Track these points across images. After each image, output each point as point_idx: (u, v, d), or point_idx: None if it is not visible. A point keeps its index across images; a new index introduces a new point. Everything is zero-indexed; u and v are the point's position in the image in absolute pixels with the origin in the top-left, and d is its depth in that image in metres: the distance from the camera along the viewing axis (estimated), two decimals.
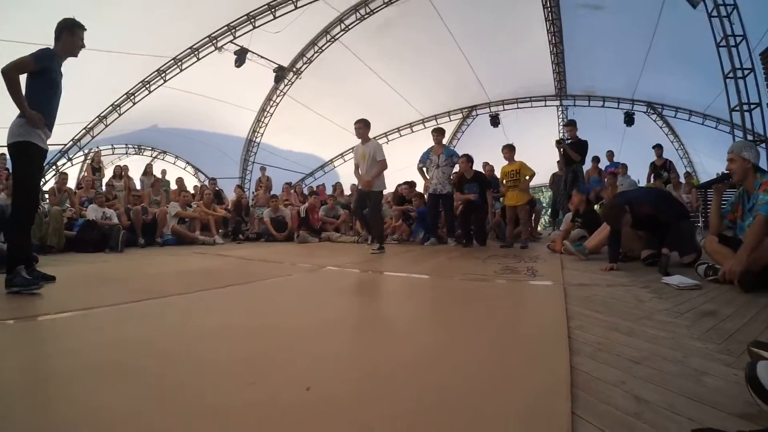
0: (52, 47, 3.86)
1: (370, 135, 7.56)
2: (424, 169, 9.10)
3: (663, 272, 4.25)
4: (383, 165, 7.30)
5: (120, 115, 15.93)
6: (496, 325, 2.62)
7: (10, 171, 3.90)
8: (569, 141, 9.62)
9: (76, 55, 4.04)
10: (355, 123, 7.52)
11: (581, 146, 9.39)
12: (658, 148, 12.61)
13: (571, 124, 9.78)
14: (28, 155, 3.69)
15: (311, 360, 1.93)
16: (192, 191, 12.71)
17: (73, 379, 1.73)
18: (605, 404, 1.44)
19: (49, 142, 3.93)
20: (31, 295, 3.37)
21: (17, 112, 3.63)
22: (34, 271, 3.91)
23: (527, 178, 8.27)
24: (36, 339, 2.44)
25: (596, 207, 9.29)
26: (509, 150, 8.48)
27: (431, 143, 9.14)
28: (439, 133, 9.24)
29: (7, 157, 4.79)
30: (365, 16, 15.22)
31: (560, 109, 20.14)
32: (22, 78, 3.64)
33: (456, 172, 9.19)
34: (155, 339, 2.29)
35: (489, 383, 1.64)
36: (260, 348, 2.12)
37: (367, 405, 1.46)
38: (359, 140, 7.57)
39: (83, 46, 4.04)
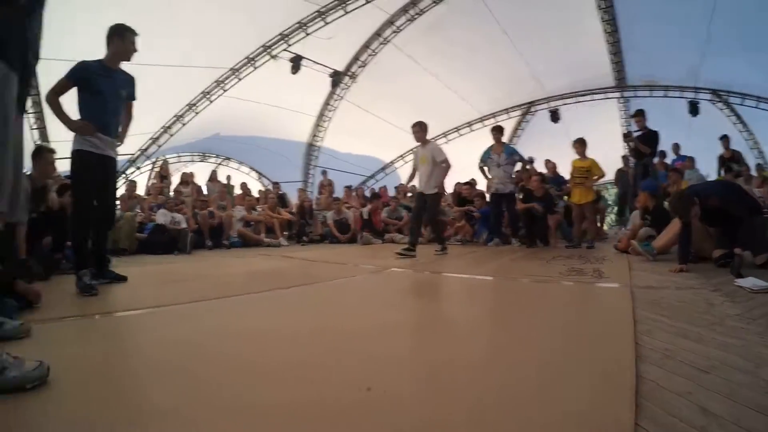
0: (90, 59, 4.03)
1: (429, 136, 7.49)
2: (485, 168, 8.99)
3: (736, 274, 3.96)
4: (448, 166, 7.20)
5: (183, 125, 16.47)
6: (560, 328, 2.56)
7: None
8: (638, 132, 9.02)
9: (129, 59, 4.17)
10: (412, 126, 7.43)
11: (652, 137, 8.81)
12: (724, 139, 11.94)
13: (639, 114, 9.17)
14: (75, 162, 3.94)
15: (373, 361, 1.94)
16: (256, 195, 12.96)
17: (144, 375, 1.82)
18: (670, 416, 1.37)
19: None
20: (102, 294, 3.59)
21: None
22: (108, 272, 4.21)
23: (595, 178, 8.05)
24: (104, 335, 2.54)
25: (665, 203, 8.98)
26: (581, 144, 8.26)
27: (490, 140, 9.02)
28: (498, 131, 9.12)
29: None
30: (415, 17, 15.13)
31: (621, 100, 19.38)
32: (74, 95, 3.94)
33: (523, 184, 9.06)
34: (220, 338, 2.33)
35: (550, 388, 1.60)
36: (323, 348, 2.13)
37: (427, 406, 1.45)
38: (418, 143, 7.50)
39: (135, 50, 4.17)
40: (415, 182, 7.74)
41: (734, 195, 4.97)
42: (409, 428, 1.30)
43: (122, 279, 4.22)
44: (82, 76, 3.91)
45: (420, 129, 7.35)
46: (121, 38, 4.05)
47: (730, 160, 11.47)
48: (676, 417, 1.35)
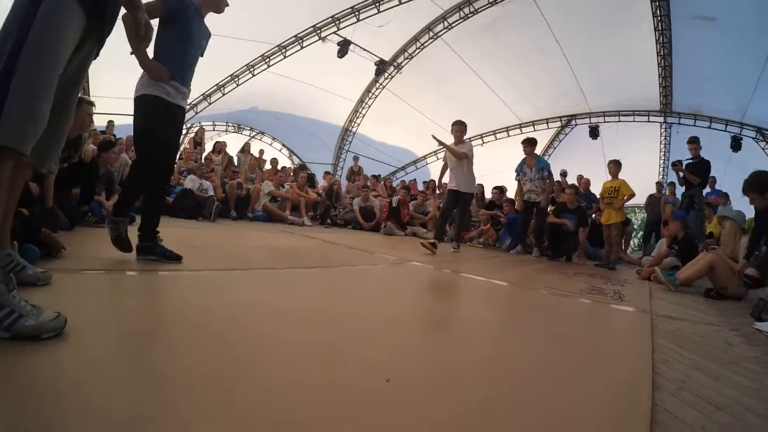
0: None
1: (466, 137, 7.47)
2: (520, 181, 8.94)
3: (757, 317, 3.87)
4: (470, 160, 7.30)
5: (224, 94, 16.73)
6: (576, 343, 2.54)
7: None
8: (689, 160, 8.65)
9: (221, 11, 3.67)
10: (454, 124, 7.43)
11: (703, 167, 8.46)
12: None
13: (694, 141, 8.72)
14: (145, 108, 3.31)
15: (388, 350, 1.94)
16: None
17: (165, 334, 1.83)
18: None
19: None
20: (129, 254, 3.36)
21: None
22: (158, 247, 3.44)
23: (625, 197, 7.90)
24: (124, 291, 2.56)
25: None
26: (615, 165, 8.13)
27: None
28: (529, 143, 8.95)
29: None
30: (469, 15, 15.06)
31: (663, 126, 19.04)
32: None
33: (554, 196, 8.98)
34: (239, 309, 2.33)
35: (566, 404, 1.59)
36: (339, 332, 2.13)
37: (442, 407, 1.43)
38: (454, 141, 7.44)
39: (228, 3, 3.70)
40: (445, 179, 7.73)
41: None
42: (426, 421, 1.31)
43: (176, 258, 3.38)
44: (178, 7, 3.29)
45: (462, 129, 7.38)
46: None
47: None
48: None
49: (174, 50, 3.36)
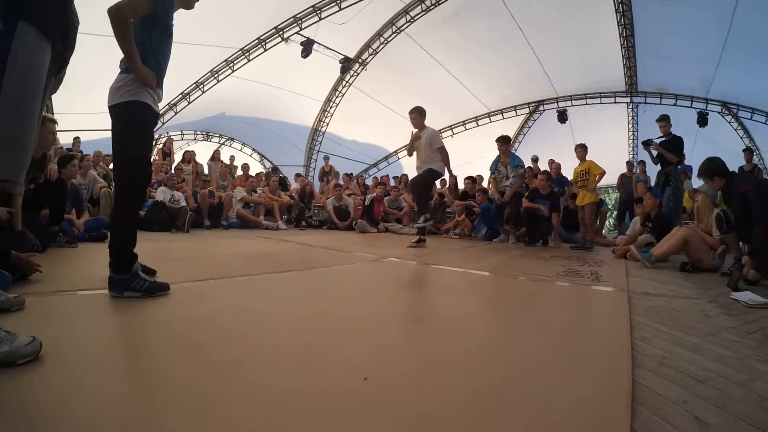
0: None
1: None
2: (496, 179, 9.00)
3: (733, 287, 3.97)
4: (446, 153, 7.11)
5: (189, 102, 16.53)
6: (556, 328, 2.55)
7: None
8: (661, 138, 8.45)
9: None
10: (410, 113, 7.29)
11: (677, 143, 8.24)
12: (747, 151, 11.92)
13: (663, 119, 8.51)
14: (139, 118, 2.87)
15: (367, 349, 1.94)
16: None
17: (145, 349, 1.83)
18: (664, 422, 1.38)
19: None
20: (102, 269, 2.84)
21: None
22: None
23: (596, 177, 8.00)
24: (101, 310, 2.48)
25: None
26: (582, 149, 8.29)
27: (496, 136, 8.95)
28: (504, 141, 8.98)
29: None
30: (431, 8, 15.09)
31: (630, 106, 19.32)
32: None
33: (527, 182, 9.02)
34: (217, 317, 2.32)
35: (548, 389, 1.59)
36: (318, 334, 2.13)
37: (422, 401, 1.43)
38: (415, 129, 7.31)
39: None
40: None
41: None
42: (404, 418, 1.31)
43: (150, 273, 3.12)
44: (164, 8, 2.90)
45: (419, 115, 7.22)
46: None
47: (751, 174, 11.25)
48: (671, 424, 1.37)
49: (156, 52, 2.95)
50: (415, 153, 7.36)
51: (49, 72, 1.93)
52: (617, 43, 15.38)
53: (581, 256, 6.77)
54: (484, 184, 11.21)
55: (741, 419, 1.42)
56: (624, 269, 5.35)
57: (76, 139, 11.80)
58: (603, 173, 8.03)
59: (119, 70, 2.88)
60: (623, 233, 10.04)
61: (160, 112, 3.35)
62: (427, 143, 7.06)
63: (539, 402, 1.46)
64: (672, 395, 1.59)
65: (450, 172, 7.30)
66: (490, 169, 9.09)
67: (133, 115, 2.83)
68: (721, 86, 16.05)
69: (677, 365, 1.91)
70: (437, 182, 10.38)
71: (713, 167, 5.01)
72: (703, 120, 16.84)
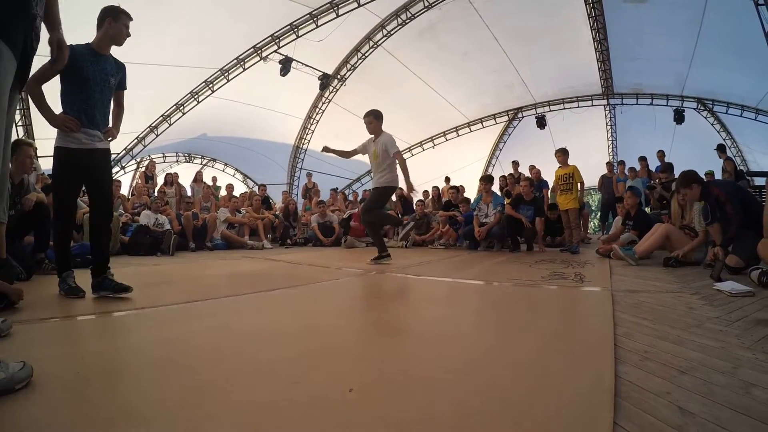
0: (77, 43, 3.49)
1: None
2: (477, 216, 9.02)
3: (716, 278, 4.03)
4: (402, 158, 6.43)
5: (170, 125, 16.47)
6: (542, 331, 2.55)
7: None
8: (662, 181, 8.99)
9: (120, 44, 3.69)
10: (365, 116, 6.58)
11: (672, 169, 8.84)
12: (720, 150, 12.15)
13: (667, 170, 9.29)
14: (57, 159, 3.56)
15: (354, 362, 1.94)
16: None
17: (131, 372, 1.80)
18: (648, 415, 1.38)
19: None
20: (87, 296, 3.48)
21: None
22: (108, 281, 3.60)
23: (578, 188, 8.18)
24: (88, 336, 2.51)
25: (647, 209, 9.04)
26: (563, 153, 8.40)
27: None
28: (486, 181, 9.12)
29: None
30: (406, 21, 15.24)
31: (607, 108, 19.65)
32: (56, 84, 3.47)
33: (508, 189, 9.09)
34: (204, 338, 2.32)
35: (531, 390, 1.60)
36: (306, 349, 2.12)
37: (408, 409, 1.44)
38: (371, 135, 6.59)
39: (128, 34, 3.72)
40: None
41: (739, 196, 4.89)
42: (391, 427, 1.31)
43: (126, 290, 3.52)
44: (69, 63, 3.18)
45: (374, 118, 6.47)
46: (115, 19, 3.59)
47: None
48: (654, 416, 1.37)
49: (75, 98, 3.51)
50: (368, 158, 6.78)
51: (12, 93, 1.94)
52: (591, 47, 15.67)
53: (566, 258, 6.82)
54: (467, 195, 11.26)
55: (725, 406, 1.43)
56: (608, 269, 5.39)
57: None
58: (583, 184, 8.30)
59: None
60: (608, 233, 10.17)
61: (107, 141, 3.79)
62: (382, 151, 6.36)
63: (523, 403, 1.47)
64: (655, 387, 1.59)
65: (408, 181, 6.36)
66: (472, 207, 9.20)
67: (55, 158, 3.57)
68: (696, 83, 16.38)
69: (660, 358, 1.92)
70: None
71: (689, 177, 5.21)
72: (679, 117, 17.20)
